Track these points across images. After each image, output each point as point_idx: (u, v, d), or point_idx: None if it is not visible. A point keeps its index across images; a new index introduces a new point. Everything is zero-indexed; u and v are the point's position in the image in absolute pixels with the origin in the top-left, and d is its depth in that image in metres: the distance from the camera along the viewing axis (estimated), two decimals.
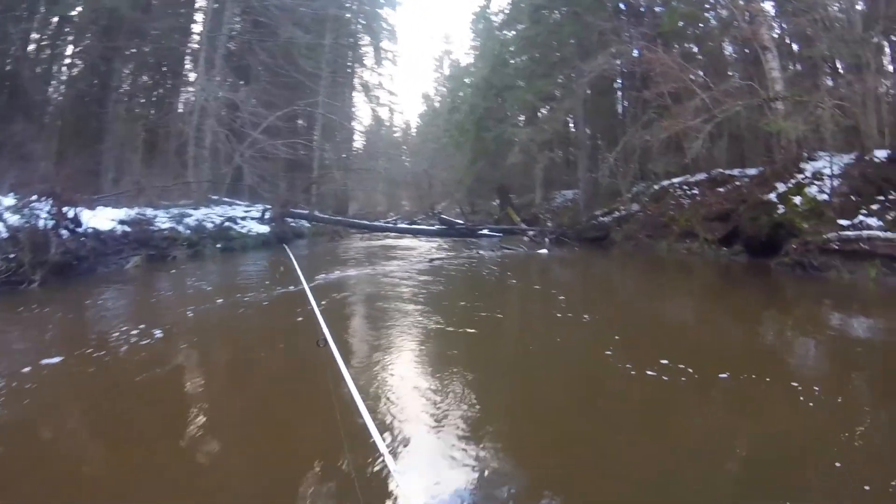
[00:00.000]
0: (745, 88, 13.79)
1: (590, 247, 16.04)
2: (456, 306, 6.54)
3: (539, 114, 25.48)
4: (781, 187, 11.70)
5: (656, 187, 17.28)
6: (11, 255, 7.72)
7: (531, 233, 19.07)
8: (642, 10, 20.38)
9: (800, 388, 3.72)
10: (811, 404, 3.49)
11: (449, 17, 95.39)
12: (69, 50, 19.64)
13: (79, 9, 18.48)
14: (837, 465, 2.66)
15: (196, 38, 20.65)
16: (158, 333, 5.06)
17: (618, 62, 19.36)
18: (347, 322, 5.94)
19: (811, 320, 6.60)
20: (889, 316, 6.66)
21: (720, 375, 3.96)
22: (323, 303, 6.13)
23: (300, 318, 5.65)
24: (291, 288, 7.35)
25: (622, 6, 20.72)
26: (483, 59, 30.15)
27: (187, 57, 21.34)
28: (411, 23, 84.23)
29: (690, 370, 4.01)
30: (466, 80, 34.54)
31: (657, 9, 19.11)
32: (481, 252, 13.72)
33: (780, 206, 11.25)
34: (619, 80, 21.97)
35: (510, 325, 5.92)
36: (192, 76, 21.07)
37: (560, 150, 26.05)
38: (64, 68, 19.75)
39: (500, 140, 24.99)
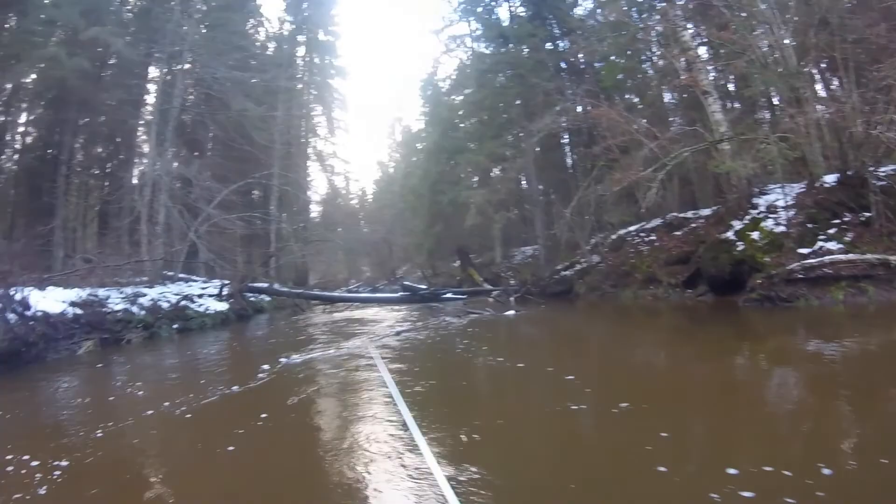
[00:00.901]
0: (690, 133, 14.02)
1: (555, 302, 15.44)
2: (441, 413, 4.70)
3: (492, 174, 25.62)
4: (737, 224, 11.65)
5: (614, 237, 17.21)
6: None
7: (495, 293, 18.54)
8: (582, 67, 21.13)
9: None
10: None
11: (398, 85, 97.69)
12: (23, 118, 19.34)
13: (33, 76, 18.12)
14: None
15: (149, 110, 20.25)
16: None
17: (563, 119, 19.79)
18: (315, 448, 4.07)
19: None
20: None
21: (823, 471, 2.78)
22: (264, 416, 4.58)
23: (232, 446, 3.91)
24: (234, 388, 5.72)
25: (563, 65, 21.45)
26: (433, 124, 30.44)
27: (140, 129, 20.87)
28: (362, 91, 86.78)
29: (787, 473, 2.82)
30: (419, 146, 34.89)
31: (596, 65, 19.74)
32: (447, 319, 12.74)
33: (739, 243, 11.12)
34: (566, 136, 22.38)
35: (526, 444, 3.89)
36: (145, 148, 20.58)
37: (515, 208, 26.10)
38: (18, 136, 19.32)
39: (455, 203, 24.74)
